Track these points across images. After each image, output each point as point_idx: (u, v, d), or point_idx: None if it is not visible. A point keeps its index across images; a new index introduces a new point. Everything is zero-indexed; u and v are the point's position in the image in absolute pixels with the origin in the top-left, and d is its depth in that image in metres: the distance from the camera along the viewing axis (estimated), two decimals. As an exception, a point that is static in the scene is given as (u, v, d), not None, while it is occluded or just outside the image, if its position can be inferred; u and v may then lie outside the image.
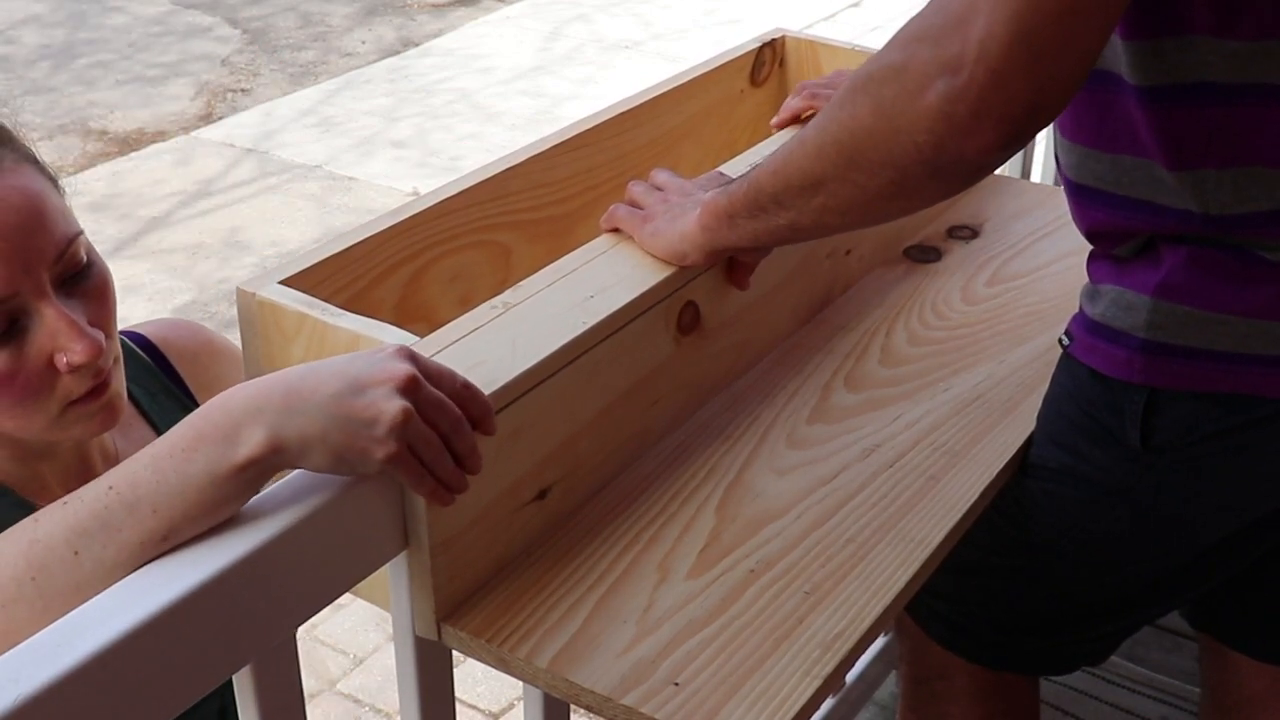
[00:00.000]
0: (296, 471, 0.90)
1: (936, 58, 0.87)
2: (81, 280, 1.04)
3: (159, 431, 1.20)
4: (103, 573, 0.82)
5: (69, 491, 1.10)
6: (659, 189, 1.23)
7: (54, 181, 1.06)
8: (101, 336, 1.03)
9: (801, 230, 1.07)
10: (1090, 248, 1.17)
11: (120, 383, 1.08)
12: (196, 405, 1.23)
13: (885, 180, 0.96)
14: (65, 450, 1.12)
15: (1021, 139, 0.89)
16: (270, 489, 0.89)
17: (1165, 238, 1.08)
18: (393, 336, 1.04)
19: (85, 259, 1.05)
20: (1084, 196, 1.12)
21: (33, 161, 1.04)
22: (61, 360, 1.00)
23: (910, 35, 0.91)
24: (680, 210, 1.17)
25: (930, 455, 1.20)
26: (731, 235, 1.12)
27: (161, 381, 1.24)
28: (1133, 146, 1.05)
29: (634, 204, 1.22)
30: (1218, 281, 1.05)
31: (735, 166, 1.30)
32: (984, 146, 0.89)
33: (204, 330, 1.33)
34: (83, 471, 1.13)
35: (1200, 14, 0.98)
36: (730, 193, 1.10)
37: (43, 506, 1.08)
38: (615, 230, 1.21)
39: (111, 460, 1.17)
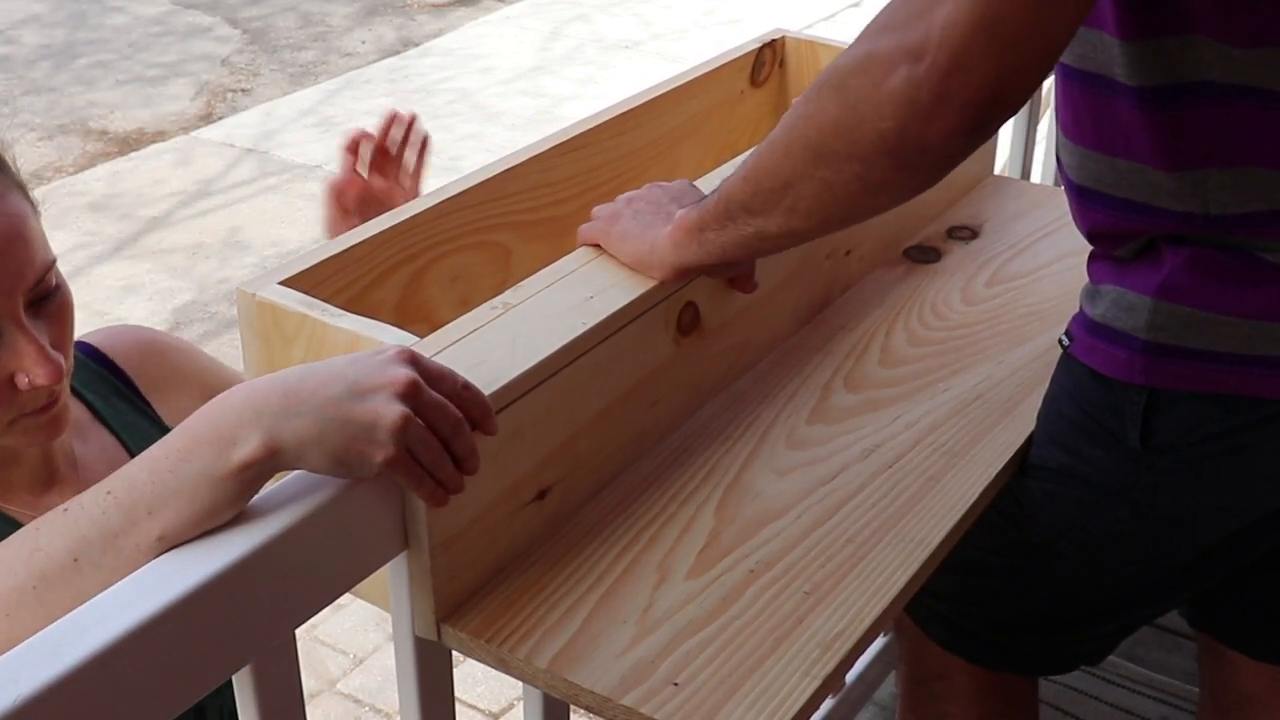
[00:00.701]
0: (296, 472, 0.90)
1: (900, 45, 0.87)
2: (48, 303, 1.07)
3: (117, 435, 1.22)
4: (102, 579, 0.82)
5: (35, 495, 1.13)
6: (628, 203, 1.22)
7: (34, 206, 1.09)
8: (62, 360, 1.06)
9: (768, 238, 1.05)
10: (1091, 248, 1.17)
11: (68, 395, 1.12)
12: (149, 404, 1.24)
13: (851, 175, 0.95)
14: (30, 456, 1.15)
15: (985, 127, 0.89)
16: (270, 489, 0.89)
17: (1166, 238, 1.08)
18: (393, 337, 1.04)
19: (54, 283, 1.08)
20: (1085, 197, 1.12)
21: (20, 187, 1.08)
22: (24, 380, 1.04)
23: (876, 27, 0.91)
24: (651, 221, 1.15)
25: (930, 455, 1.20)
26: (701, 251, 1.10)
27: (113, 384, 1.25)
28: (1127, 150, 1.06)
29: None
30: (1219, 282, 1.05)
31: (734, 167, 1.30)
32: (946, 131, 0.88)
33: (146, 330, 1.33)
34: (48, 476, 1.16)
35: (1202, 15, 0.98)
36: (702, 206, 1.10)
37: (11, 510, 1.10)
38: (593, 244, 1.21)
39: (74, 464, 1.19)
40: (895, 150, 0.91)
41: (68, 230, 4.21)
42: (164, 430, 1.23)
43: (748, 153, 1.35)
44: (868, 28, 0.93)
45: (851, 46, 0.93)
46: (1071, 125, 1.11)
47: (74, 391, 1.20)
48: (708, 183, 1.26)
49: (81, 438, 1.21)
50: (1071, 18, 0.88)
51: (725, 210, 1.07)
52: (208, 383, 1.26)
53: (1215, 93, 1.00)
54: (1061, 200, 1.68)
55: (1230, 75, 0.99)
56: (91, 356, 1.26)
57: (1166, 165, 1.04)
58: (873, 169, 0.93)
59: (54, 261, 1.08)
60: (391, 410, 0.85)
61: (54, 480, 1.17)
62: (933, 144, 0.89)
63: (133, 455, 1.17)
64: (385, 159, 1.43)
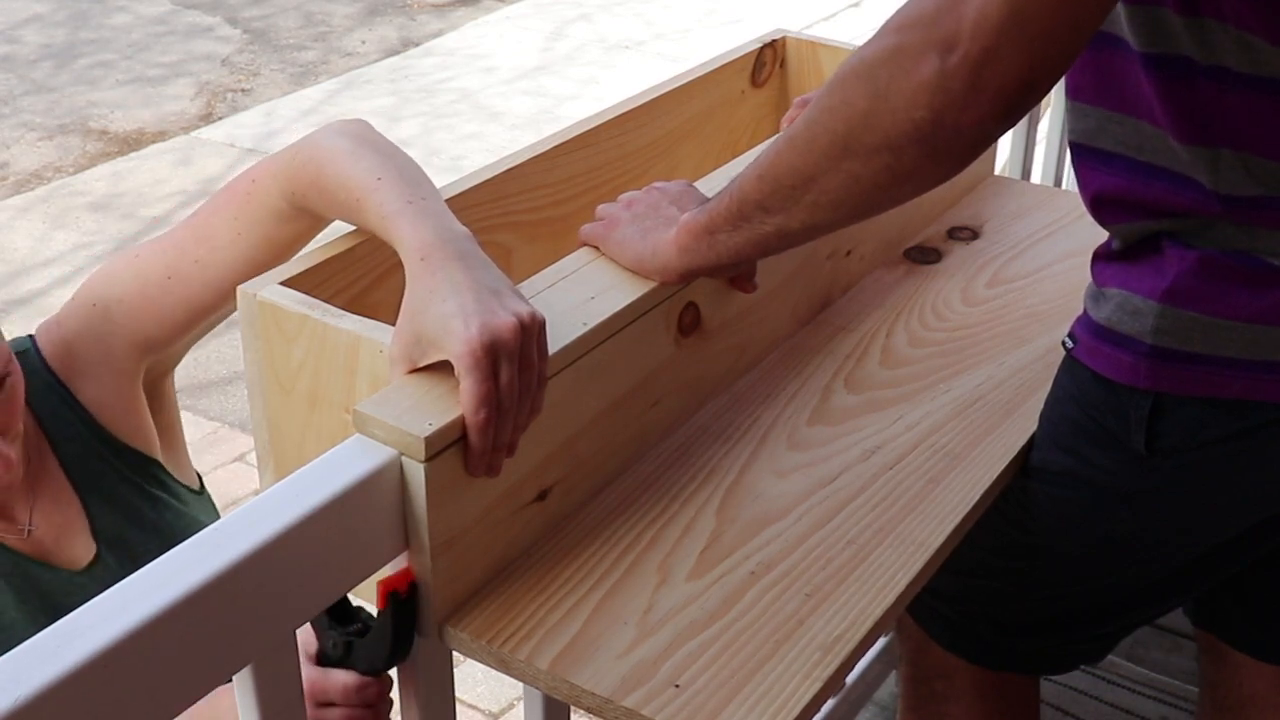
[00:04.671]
0: (296, 471, 0.91)
1: (930, 37, 0.88)
2: (2, 389, 1.13)
3: (59, 457, 1.24)
4: None
5: None
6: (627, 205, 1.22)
7: None
8: (11, 452, 1.14)
9: (788, 235, 1.06)
10: (1093, 250, 1.17)
11: (17, 456, 1.17)
12: (79, 403, 1.25)
13: (879, 166, 0.95)
14: None
15: (1017, 112, 0.90)
16: (270, 489, 0.89)
17: (1170, 236, 1.07)
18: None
19: (5, 373, 1.13)
20: (1100, 161, 1.10)
21: None
22: None
23: (903, 20, 0.91)
24: (652, 225, 1.15)
25: (930, 457, 1.20)
26: (711, 254, 1.10)
27: (59, 394, 1.25)
28: (1151, 115, 1.05)
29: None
30: (1225, 288, 1.05)
31: (735, 167, 1.30)
32: (981, 118, 0.89)
33: (55, 328, 1.27)
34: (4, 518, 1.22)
35: (1230, 5, 0.97)
36: (710, 210, 1.09)
37: None
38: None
39: (31, 503, 1.23)
40: (928, 139, 0.91)
41: (69, 230, 4.21)
42: (100, 437, 1.25)
43: (753, 153, 1.35)
44: (888, 24, 0.93)
45: (873, 41, 0.93)
46: (1090, 89, 1.09)
47: (30, 409, 1.22)
48: (708, 183, 1.26)
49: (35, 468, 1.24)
50: (1101, 6, 0.88)
51: (739, 211, 1.06)
52: (106, 350, 1.24)
53: (1235, 80, 1.00)
54: (1063, 201, 1.68)
55: (1253, 66, 0.99)
56: (45, 367, 1.25)
57: (1181, 137, 1.03)
58: (903, 158, 0.93)
59: (7, 358, 1.13)
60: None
61: (12, 521, 1.22)
62: (967, 131, 0.90)
63: (82, 498, 1.24)
64: None
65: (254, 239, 1.15)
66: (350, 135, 1.10)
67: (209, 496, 1.40)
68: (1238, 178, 1.02)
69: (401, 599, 0.96)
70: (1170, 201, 1.06)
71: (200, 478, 1.39)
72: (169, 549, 1.24)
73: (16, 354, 1.23)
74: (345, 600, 0.99)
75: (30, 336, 1.27)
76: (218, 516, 1.38)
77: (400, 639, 0.98)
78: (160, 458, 1.31)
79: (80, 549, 1.24)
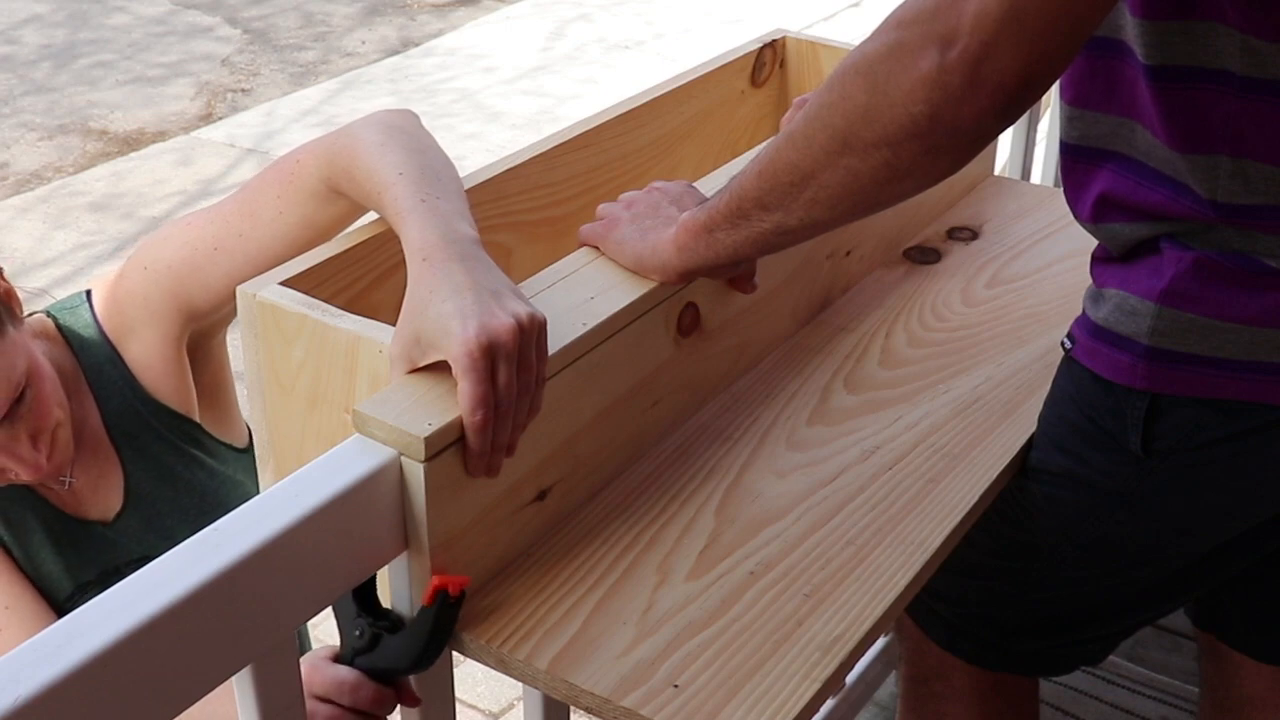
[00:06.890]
0: (296, 471, 0.91)
1: (930, 32, 0.88)
2: (20, 405, 1.16)
3: (102, 411, 1.30)
4: None
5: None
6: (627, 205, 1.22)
7: (10, 313, 1.17)
8: (42, 458, 1.20)
9: (787, 233, 1.05)
10: (1092, 251, 1.17)
11: (64, 440, 1.22)
12: (124, 361, 1.31)
13: (878, 161, 0.95)
14: None
15: (1015, 109, 0.90)
16: (270, 489, 0.89)
17: (1170, 237, 1.07)
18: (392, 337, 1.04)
19: (25, 384, 1.16)
20: (1111, 162, 1.10)
21: None
22: (7, 476, 1.20)
23: (903, 16, 0.91)
24: (652, 225, 1.15)
25: (930, 458, 1.20)
26: (709, 253, 1.10)
27: (107, 351, 1.31)
28: (1152, 125, 1.05)
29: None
30: (1222, 288, 1.05)
31: (735, 167, 1.30)
32: (978, 113, 0.89)
33: (106, 291, 1.33)
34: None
35: (1229, 5, 0.98)
36: (709, 208, 1.09)
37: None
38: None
39: (74, 457, 1.30)
40: (926, 134, 0.91)
41: (69, 230, 4.21)
42: (140, 396, 1.31)
43: (753, 152, 1.35)
44: (889, 20, 0.93)
45: (873, 37, 0.93)
46: (1100, 97, 1.09)
47: (79, 362, 1.29)
48: (708, 183, 1.26)
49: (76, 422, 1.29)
50: (1099, 5, 0.88)
51: (738, 209, 1.06)
52: (151, 312, 1.30)
53: (1233, 83, 1.00)
54: (1062, 201, 1.67)
55: (1250, 68, 0.99)
56: (99, 329, 1.31)
57: (1179, 146, 1.03)
58: (902, 154, 0.93)
59: (24, 370, 1.16)
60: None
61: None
62: (965, 127, 0.90)
63: (123, 464, 1.30)
64: None
65: (295, 218, 1.18)
66: (387, 127, 1.12)
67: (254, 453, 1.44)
68: (1236, 186, 1.02)
69: (450, 601, 0.95)
70: (1169, 208, 1.06)
71: (250, 432, 1.43)
72: (196, 506, 1.30)
73: (72, 309, 1.31)
74: (373, 589, 0.98)
75: (87, 292, 1.32)
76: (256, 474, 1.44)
77: (434, 643, 0.96)
78: (198, 418, 1.35)
79: (112, 501, 1.30)
